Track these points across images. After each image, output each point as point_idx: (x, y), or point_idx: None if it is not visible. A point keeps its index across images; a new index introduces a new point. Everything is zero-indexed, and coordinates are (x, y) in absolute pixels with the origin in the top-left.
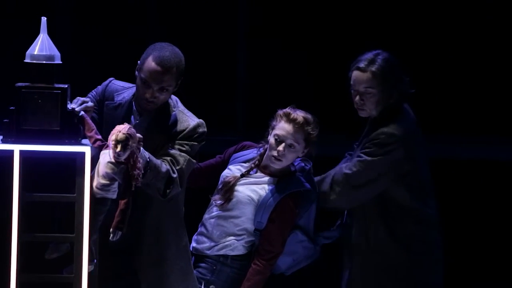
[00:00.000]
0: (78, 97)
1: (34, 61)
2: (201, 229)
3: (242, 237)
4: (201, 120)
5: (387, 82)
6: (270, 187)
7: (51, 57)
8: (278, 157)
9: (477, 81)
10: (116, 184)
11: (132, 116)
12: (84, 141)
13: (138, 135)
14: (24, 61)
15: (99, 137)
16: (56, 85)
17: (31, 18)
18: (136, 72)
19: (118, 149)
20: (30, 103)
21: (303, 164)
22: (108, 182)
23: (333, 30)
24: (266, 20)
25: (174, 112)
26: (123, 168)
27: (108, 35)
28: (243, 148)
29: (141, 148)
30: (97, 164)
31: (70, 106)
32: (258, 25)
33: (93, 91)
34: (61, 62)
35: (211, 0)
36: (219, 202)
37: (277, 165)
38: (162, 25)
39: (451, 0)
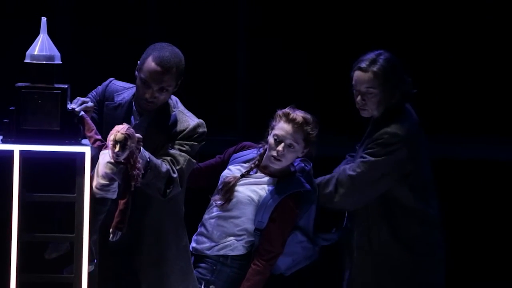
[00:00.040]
0: (78, 97)
1: (34, 61)
2: (201, 229)
3: (242, 237)
4: (201, 120)
5: (388, 82)
6: (270, 188)
7: (51, 57)
8: (278, 157)
9: (477, 81)
10: (115, 184)
11: (132, 116)
12: (84, 141)
13: (138, 135)
14: (24, 61)
15: (99, 137)
16: (56, 85)
17: (31, 18)
18: (136, 72)
19: (117, 149)
20: (30, 103)
21: (303, 165)
22: (107, 182)
23: (333, 30)
24: (266, 20)
25: (174, 112)
26: (122, 168)
27: (108, 35)
28: (243, 148)
29: (141, 148)
30: (96, 164)
31: (70, 106)
32: (258, 25)
33: (93, 91)
34: (61, 62)
35: (211, 0)
36: (219, 202)
37: (276, 165)
38: (162, 25)
39: (451, 0)
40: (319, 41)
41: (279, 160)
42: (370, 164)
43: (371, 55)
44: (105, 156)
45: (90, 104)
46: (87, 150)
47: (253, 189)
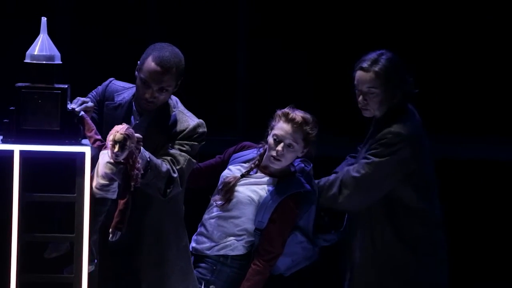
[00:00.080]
0: (78, 97)
1: (34, 61)
2: (200, 229)
3: (242, 237)
4: (201, 120)
5: (390, 82)
6: (271, 188)
7: (51, 57)
8: (277, 157)
9: (477, 81)
10: (115, 184)
11: (132, 117)
12: (84, 141)
13: (137, 135)
14: (24, 61)
15: (99, 137)
16: (56, 85)
17: (31, 18)
18: (136, 72)
19: (116, 149)
20: (30, 103)
21: (303, 165)
22: (107, 182)
23: (333, 30)
24: (266, 20)
25: (174, 113)
26: (122, 169)
27: (108, 35)
28: (243, 148)
29: (142, 148)
30: (96, 164)
31: (70, 106)
32: (258, 25)
33: (93, 91)
34: (61, 62)
35: (211, 0)
36: (219, 202)
37: (276, 165)
38: (162, 25)
39: (451, 0)
40: (319, 41)
41: (278, 160)
42: (374, 165)
43: (373, 55)
44: (105, 156)
45: (90, 104)
46: (87, 150)
47: (253, 189)
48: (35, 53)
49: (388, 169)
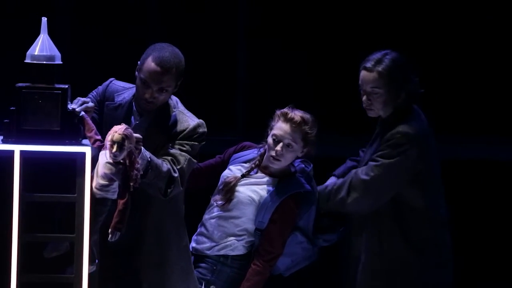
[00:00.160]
0: (79, 98)
1: (35, 62)
2: (201, 229)
3: (243, 237)
4: (201, 120)
5: (394, 82)
6: (271, 188)
7: (51, 58)
8: (276, 157)
9: (477, 81)
10: (115, 185)
11: (132, 117)
12: (84, 141)
13: (137, 135)
14: (25, 61)
15: (99, 137)
16: (57, 86)
17: (31, 18)
18: (136, 73)
19: (114, 149)
20: (30, 103)
21: (303, 166)
22: (107, 182)
23: (333, 30)
24: (266, 20)
25: (174, 113)
26: (121, 169)
27: (108, 35)
28: (243, 149)
29: (142, 148)
30: (96, 165)
31: (70, 106)
32: (258, 25)
33: (93, 91)
34: (61, 63)
35: (211, 0)
36: (219, 202)
37: (276, 165)
38: (162, 25)
39: (451, 0)
40: (319, 41)
41: (278, 160)
42: (383, 166)
43: (377, 55)
44: (104, 156)
45: (90, 104)
46: (87, 150)
47: (254, 189)
48: (36, 53)
49: (397, 170)
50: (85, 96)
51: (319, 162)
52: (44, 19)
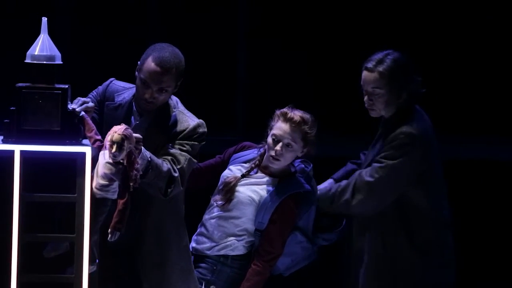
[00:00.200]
0: (79, 98)
1: (35, 62)
2: (201, 229)
3: (243, 237)
4: (201, 120)
5: (395, 82)
6: (271, 188)
7: (51, 58)
8: (276, 157)
9: (477, 81)
10: (115, 185)
11: (132, 117)
12: (84, 141)
13: (137, 135)
14: (25, 61)
15: (99, 137)
16: (57, 86)
17: (31, 18)
18: (136, 73)
19: (114, 149)
20: (30, 103)
21: (303, 166)
22: (107, 182)
23: (333, 30)
24: (266, 20)
25: (174, 113)
26: (121, 169)
27: (108, 35)
28: (243, 149)
29: (143, 148)
30: (96, 165)
31: (70, 106)
32: (258, 25)
33: (93, 91)
34: (61, 63)
35: (211, 0)
36: (220, 202)
37: (275, 165)
38: (162, 25)
39: (452, 0)
40: (319, 41)
41: (277, 159)
42: (388, 168)
43: (379, 55)
44: (104, 156)
45: (90, 104)
46: (87, 151)
47: (254, 189)
48: (36, 53)
49: (401, 171)
50: (85, 96)
51: (319, 162)
52: (44, 19)
